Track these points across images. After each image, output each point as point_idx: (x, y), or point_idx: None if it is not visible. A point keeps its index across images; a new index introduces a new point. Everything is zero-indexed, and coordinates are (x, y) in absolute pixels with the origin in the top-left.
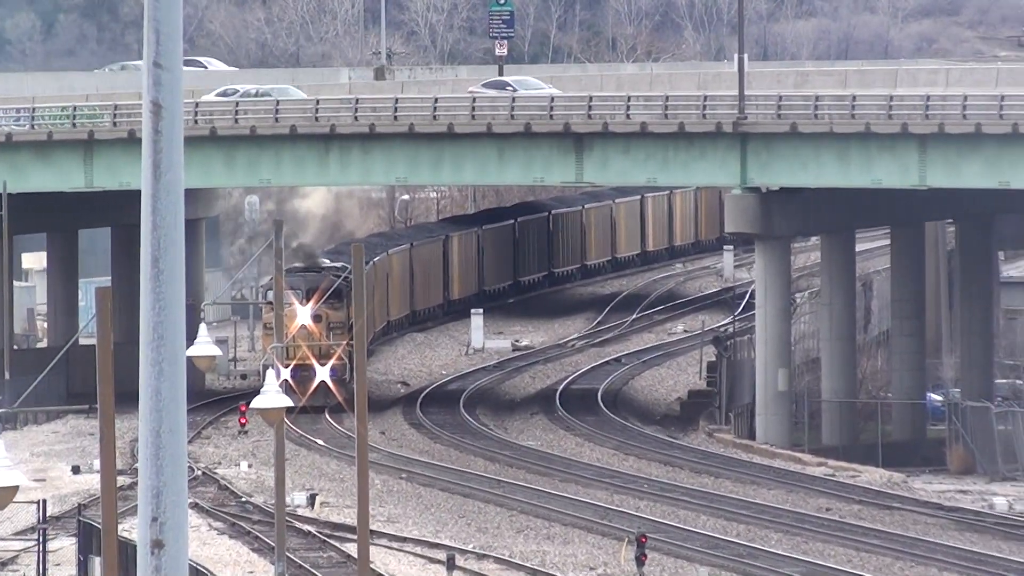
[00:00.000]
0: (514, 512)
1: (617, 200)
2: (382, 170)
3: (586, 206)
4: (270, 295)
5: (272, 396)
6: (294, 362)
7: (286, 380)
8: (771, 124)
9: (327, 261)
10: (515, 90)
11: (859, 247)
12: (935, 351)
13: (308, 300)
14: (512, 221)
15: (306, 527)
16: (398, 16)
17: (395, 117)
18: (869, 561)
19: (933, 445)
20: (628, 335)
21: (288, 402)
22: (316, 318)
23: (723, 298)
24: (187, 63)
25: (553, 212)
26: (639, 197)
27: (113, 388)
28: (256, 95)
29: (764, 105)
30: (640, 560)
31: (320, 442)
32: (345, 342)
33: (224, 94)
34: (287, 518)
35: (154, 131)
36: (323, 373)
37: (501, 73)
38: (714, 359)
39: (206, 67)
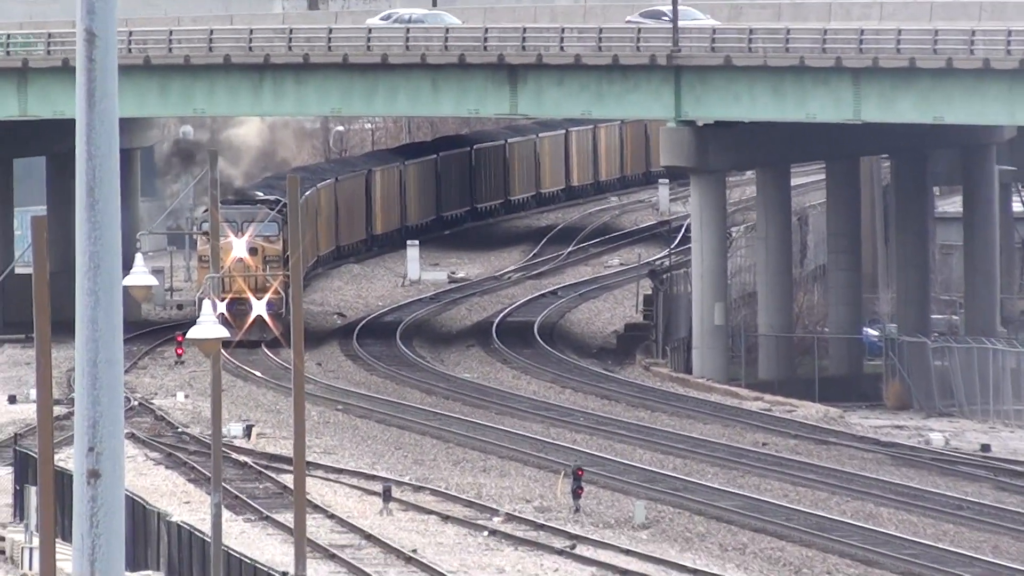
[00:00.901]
0: (450, 444)
1: (541, 134)
2: (316, 101)
3: (509, 140)
4: (205, 226)
5: (208, 327)
6: (230, 296)
7: (222, 314)
8: (705, 57)
9: (260, 194)
10: (670, 19)
11: (794, 181)
12: (871, 286)
13: (244, 233)
14: (434, 156)
15: (242, 458)
16: None
17: (329, 48)
18: (805, 495)
19: (869, 380)
20: (564, 268)
21: (225, 333)
22: (252, 251)
23: (659, 232)
24: None
25: (475, 147)
26: (563, 132)
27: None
28: (409, 20)
29: (698, 38)
30: (576, 493)
31: (257, 373)
32: (281, 275)
33: (387, 18)
34: (223, 449)
35: (88, 59)
36: (259, 307)
37: (435, 4)
38: (650, 293)
39: None
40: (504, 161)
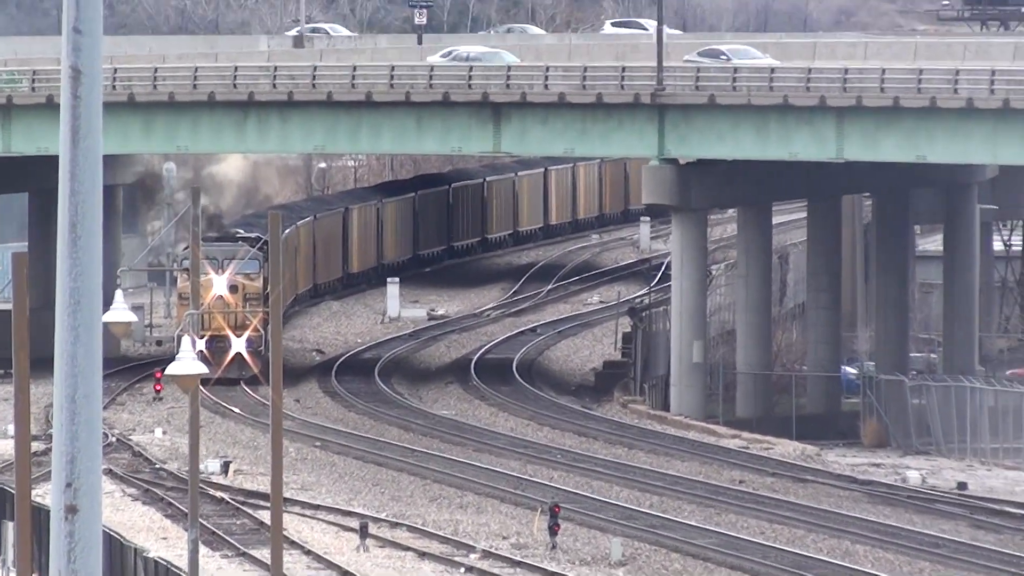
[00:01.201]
0: (428, 481)
1: (520, 173)
2: (300, 138)
3: (487, 179)
4: (186, 263)
5: (187, 363)
6: (209, 333)
7: (201, 351)
8: (689, 96)
9: (241, 231)
10: (729, 59)
11: (776, 220)
12: (850, 324)
13: (224, 270)
14: (412, 194)
15: (220, 494)
16: None
17: (313, 85)
18: (782, 533)
19: (847, 418)
20: (544, 305)
21: (204, 369)
22: (232, 288)
23: (639, 269)
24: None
25: (453, 185)
26: (543, 170)
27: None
28: (468, 59)
29: (683, 77)
30: (553, 530)
31: (235, 410)
32: (261, 313)
33: (447, 55)
34: (201, 485)
35: (73, 96)
36: (239, 344)
37: (420, 42)
38: (629, 330)
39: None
40: (482, 199)
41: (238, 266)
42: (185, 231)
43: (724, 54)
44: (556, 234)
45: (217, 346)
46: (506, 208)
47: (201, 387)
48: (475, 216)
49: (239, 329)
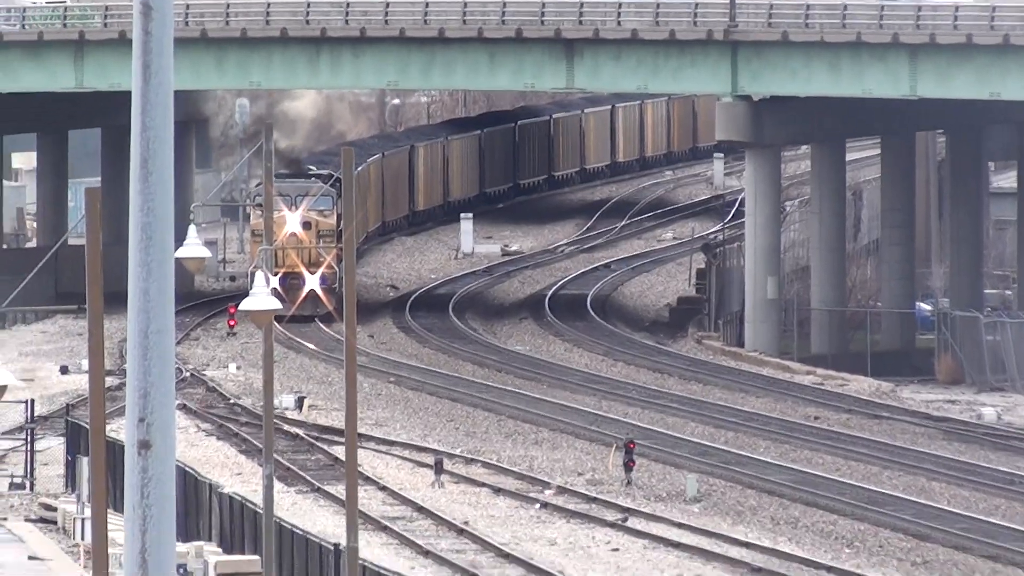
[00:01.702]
0: (502, 417)
1: (587, 110)
2: (372, 74)
3: (554, 116)
4: (259, 200)
5: (261, 298)
6: (283, 270)
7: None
8: (762, 32)
9: (313, 168)
10: None
11: (849, 156)
12: (924, 261)
13: (297, 207)
14: (479, 132)
15: (294, 430)
16: None
17: (386, 21)
18: (857, 469)
19: (922, 355)
20: (617, 241)
21: (278, 305)
22: (305, 225)
23: (713, 206)
24: None
25: (520, 122)
26: (610, 107)
27: (102, 288)
28: None
29: (755, 13)
30: (628, 466)
31: (309, 345)
32: (335, 250)
33: None
34: (275, 421)
35: (144, 32)
36: (312, 282)
37: None
38: (703, 266)
39: None
40: (548, 136)
41: (311, 203)
42: (258, 167)
43: None
44: (624, 171)
45: (291, 283)
46: (573, 145)
47: (276, 324)
48: (542, 153)
49: (313, 266)
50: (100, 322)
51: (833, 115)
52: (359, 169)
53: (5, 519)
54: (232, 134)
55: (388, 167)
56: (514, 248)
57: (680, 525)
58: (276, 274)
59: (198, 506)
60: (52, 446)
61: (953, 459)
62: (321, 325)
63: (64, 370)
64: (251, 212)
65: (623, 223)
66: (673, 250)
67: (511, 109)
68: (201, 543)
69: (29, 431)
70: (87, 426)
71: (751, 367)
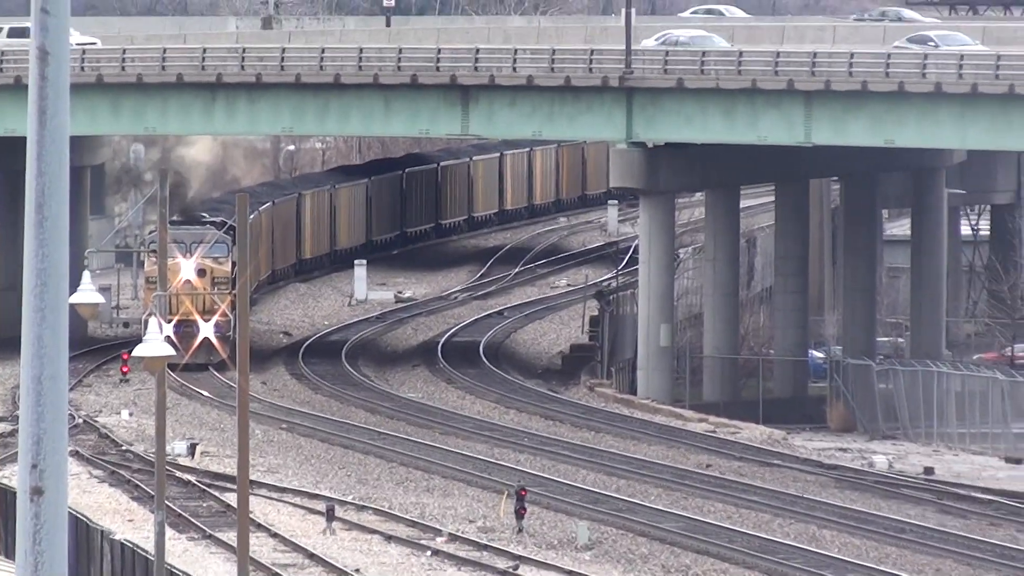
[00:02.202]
0: (394, 464)
1: (475, 157)
2: (268, 120)
3: (442, 163)
4: (154, 246)
5: (154, 345)
6: (177, 317)
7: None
8: (657, 79)
9: (206, 216)
10: (937, 45)
11: (744, 203)
12: (818, 308)
13: (192, 254)
14: (366, 179)
15: (187, 476)
16: None
17: (282, 67)
18: (748, 517)
19: (814, 402)
20: (511, 288)
21: (171, 351)
22: (200, 272)
23: (607, 252)
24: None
25: (407, 170)
26: (498, 155)
27: None
28: (676, 43)
29: (651, 60)
30: (520, 513)
31: (202, 392)
32: (229, 297)
33: (665, 42)
34: (167, 467)
35: (40, 77)
36: (207, 329)
37: (388, 24)
38: (597, 313)
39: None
40: (436, 184)
41: (206, 250)
42: (152, 213)
43: (932, 40)
44: (512, 219)
45: (185, 331)
46: (461, 193)
47: (169, 371)
48: (429, 201)
49: (207, 313)
50: None
51: (728, 162)
52: (252, 216)
53: None
54: (126, 180)
55: (277, 215)
56: (407, 295)
57: (571, 573)
58: (170, 321)
59: (90, 553)
60: None
61: (844, 507)
62: (215, 372)
63: None
64: (145, 258)
65: (516, 270)
66: (566, 297)
67: (399, 157)
68: None
69: None
70: None
71: (643, 415)
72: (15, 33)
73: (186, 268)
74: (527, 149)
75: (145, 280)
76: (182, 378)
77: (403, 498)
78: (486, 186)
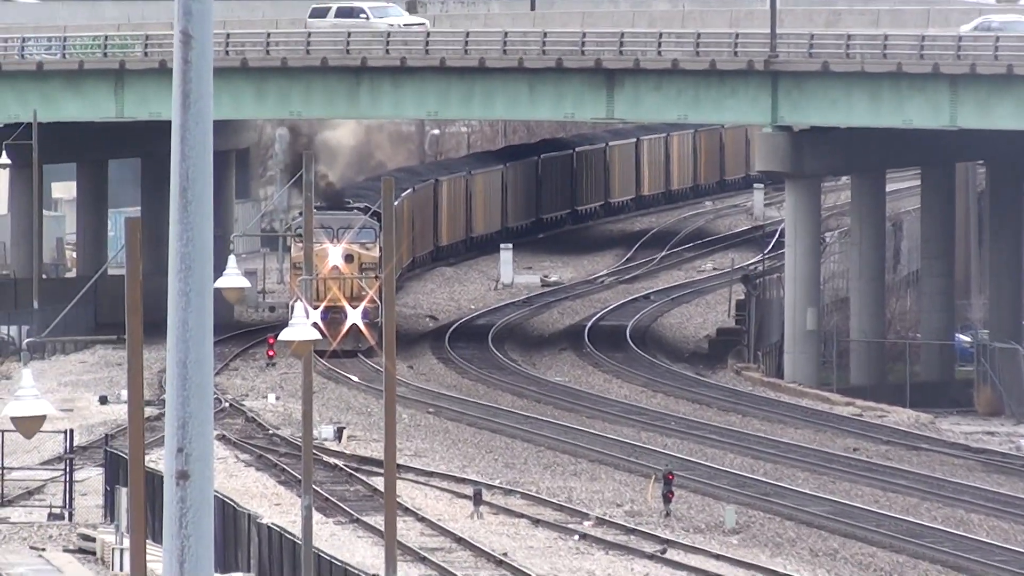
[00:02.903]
0: (541, 448)
1: (610, 143)
2: (413, 104)
3: (577, 149)
4: (300, 231)
5: (300, 329)
6: (324, 304)
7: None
8: (802, 63)
9: (349, 201)
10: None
11: (889, 187)
12: (964, 292)
13: (339, 240)
14: (501, 166)
15: (333, 460)
16: None
17: (427, 51)
18: (896, 501)
19: (961, 386)
20: (657, 272)
21: (317, 335)
22: (348, 258)
23: (753, 236)
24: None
25: (542, 156)
26: (634, 140)
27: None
28: (991, 29)
29: (796, 44)
30: (667, 497)
31: (349, 376)
32: (377, 283)
33: (978, 27)
34: (314, 451)
35: (184, 61)
36: (355, 316)
37: (533, 7)
38: (743, 297)
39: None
40: (572, 170)
41: (353, 235)
42: (297, 197)
43: (364, 12)
44: (649, 204)
45: (333, 317)
46: (597, 179)
47: (318, 358)
48: (564, 187)
49: (355, 300)
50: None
51: (873, 146)
52: (406, 193)
53: (44, 549)
54: (272, 163)
55: (417, 201)
56: (553, 278)
57: (719, 557)
58: (317, 307)
59: (236, 537)
60: (91, 476)
61: (992, 491)
62: (363, 358)
63: (103, 400)
64: (292, 244)
65: (663, 253)
66: (713, 281)
67: (535, 143)
68: (239, 574)
69: (68, 461)
70: (126, 456)
71: (790, 398)
72: (342, 13)
73: (333, 254)
74: (664, 134)
75: (292, 265)
76: (329, 363)
77: (550, 482)
78: (622, 171)
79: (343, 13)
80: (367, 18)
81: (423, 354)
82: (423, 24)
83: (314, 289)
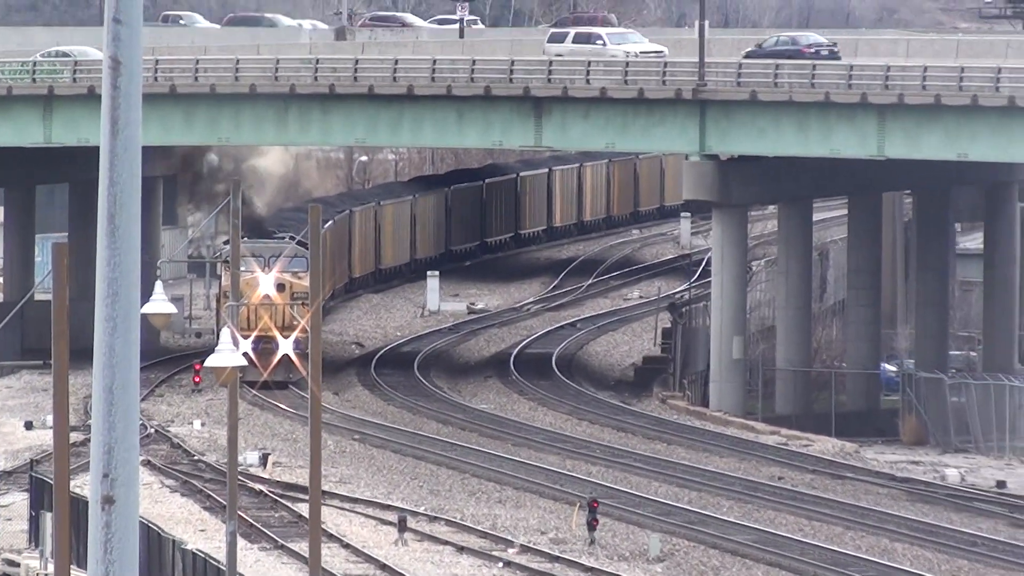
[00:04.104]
0: (466, 475)
1: (522, 173)
2: (341, 131)
3: (487, 181)
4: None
5: (226, 355)
6: (256, 333)
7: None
8: (731, 92)
9: (275, 231)
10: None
11: (816, 216)
12: (890, 321)
13: (271, 268)
14: (446, 189)
15: (258, 486)
16: None
17: (355, 78)
18: (820, 530)
19: (886, 416)
20: (584, 300)
21: (242, 360)
22: (279, 287)
23: (679, 265)
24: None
25: (451, 188)
26: (546, 170)
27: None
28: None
29: (724, 73)
30: (591, 525)
31: (274, 403)
32: (309, 313)
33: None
34: (239, 477)
35: (113, 87)
36: (286, 346)
37: (462, 35)
38: (669, 326)
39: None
40: (515, 194)
41: (285, 263)
42: (225, 223)
43: (600, 39)
44: (560, 236)
45: (264, 347)
46: (540, 204)
47: (250, 388)
48: (509, 212)
49: (286, 329)
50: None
51: (801, 175)
52: (326, 227)
53: None
54: (199, 190)
55: (355, 224)
56: (480, 306)
57: None
58: (247, 337)
59: (161, 563)
60: (16, 501)
61: (916, 520)
62: (295, 389)
63: (29, 425)
64: (221, 271)
65: (589, 281)
66: (639, 309)
67: (477, 168)
68: None
69: None
70: (51, 481)
71: (715, 427)
72: (580, 39)
73: (265, 282)
74: (577, 164)
75: (223, 295)
76: (254, 388)
77: (475, 509)
78: (534, 201)
79: (580, 39)
80: (604, 44)
81: (349, 381)
82: (662, 52)
83: (245, 318)
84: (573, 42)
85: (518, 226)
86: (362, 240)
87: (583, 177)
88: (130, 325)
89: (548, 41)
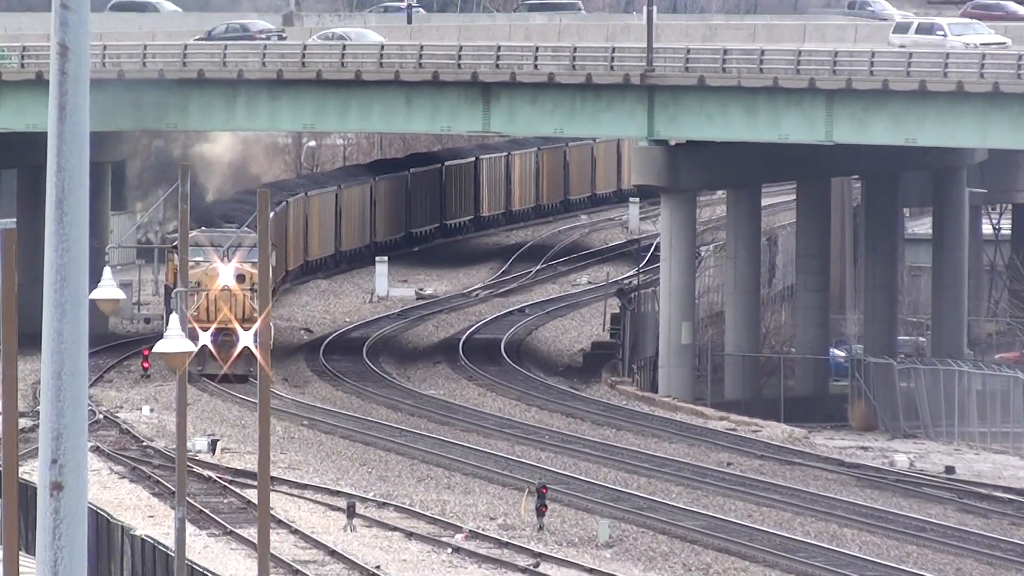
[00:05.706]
0: (415, 461)
1: (481, 157)
2: (289, 116)
3: (446, 164)
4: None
5: (175, 341)
6: (215, 325)
7: (206, 345)
8: (679, 77)
9: (222, 222)
10: (946, 35)
11: (765, 202)
12: (839, 307)
13: (230, 259)
14: (406, 172)
15: (207, 472)
16: None
17: (303, 64)
18: (769, 516)
19: (835, 401)
20: (532, 285)
21: (190, 347)
22: (239, 278)
23: (628, 250)
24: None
25: (411, 172)
26: (505, 154)
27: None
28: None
29: (672, 58)
30: (540, 511)
31: (227, 391)
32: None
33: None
34: (188, 463)
35: (60, 72)
36: (247, 338)
37: (409, 21)
38: (618, 311)
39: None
40: (475, 178)
41: (245, 254)
42: (174, 209)
43: (941, 29)
44: (488, 226)
45: (224, 339)
46: (498, 187)
47: (210, 381)
48: (467, 195)
49: (246, 322)
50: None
51: (749, 160)
52: (278, 209)
53: None
54: (147, 176)
55: (312, 207)
56: (429, 292)
57: (591, 571)
58: (206, 330)
59: (110, 549)
60: None
61: (865, 506)
62: (255, 382)
63: None
64: (168, 259)
65: (538, 267)
66: (588, 295)
67: (436, 151)
68: None
69: None
70: None
71: (665, 412)
72: (923, 29)
73: (225, 273)
74: (535, 148)
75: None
76: (217, 383)
77: (424, 495)
78: (491, 186)
79: (923, 30)
80: (944, 35)
81: (298, 367)
82: (1005, 43)
83: (204, 309)
84: (916, 32)
85: (477, 209)
86: (320, 223)
87: (541, 161)
88: (79, 311)
89: (892, 32)
